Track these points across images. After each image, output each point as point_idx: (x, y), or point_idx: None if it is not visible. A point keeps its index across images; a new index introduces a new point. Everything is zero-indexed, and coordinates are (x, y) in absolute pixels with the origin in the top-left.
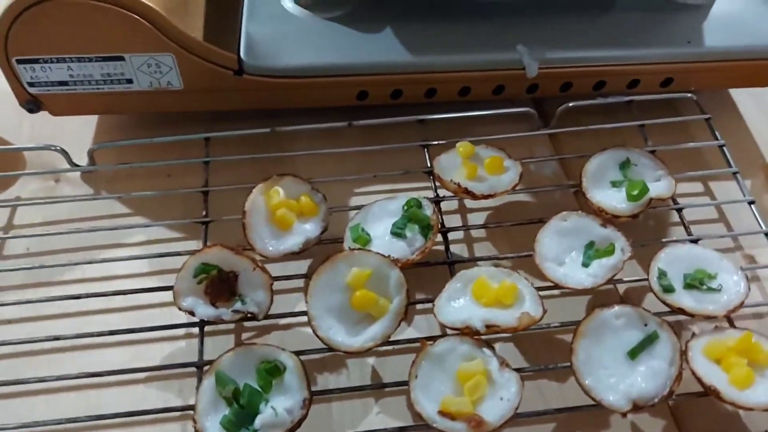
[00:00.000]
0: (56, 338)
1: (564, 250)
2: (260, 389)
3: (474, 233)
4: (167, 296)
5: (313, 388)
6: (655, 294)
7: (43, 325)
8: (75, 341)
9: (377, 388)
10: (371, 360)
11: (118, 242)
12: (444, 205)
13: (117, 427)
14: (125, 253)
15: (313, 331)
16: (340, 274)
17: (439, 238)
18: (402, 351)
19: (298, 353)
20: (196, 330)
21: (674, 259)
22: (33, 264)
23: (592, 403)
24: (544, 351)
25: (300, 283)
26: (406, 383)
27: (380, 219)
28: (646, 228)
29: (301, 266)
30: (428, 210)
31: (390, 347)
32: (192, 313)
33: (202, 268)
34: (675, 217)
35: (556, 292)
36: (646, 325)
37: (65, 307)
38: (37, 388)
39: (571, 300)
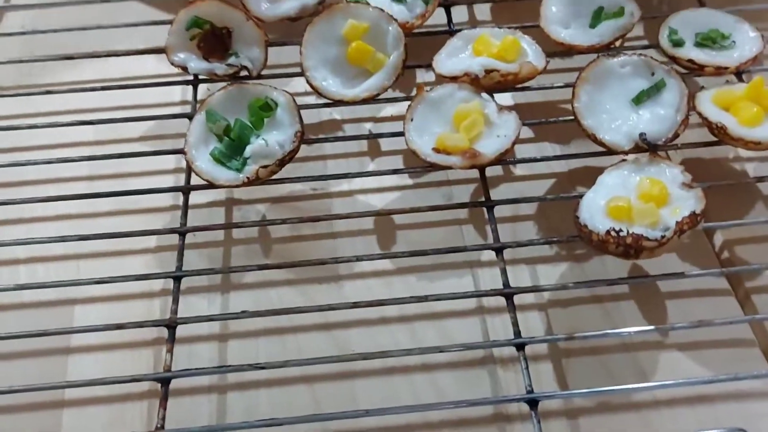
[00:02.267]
0: (48, 92)
1: (570, 15)
2: (252, 125)
3: (478, 7)
4: (160, 59)
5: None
6: (663, 51)
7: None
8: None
9: (372, 137)
10: (368, 125)
11: (113, 23)
12: None
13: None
14: (120, 30)
15: (308, 82)
16: (337, 26)
17: (441, 13)
18: (398, 118)
19: None
20: (189, 88)
21: (687, 20)
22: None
23: (592, 151)
24: (544, 111)
25: (295, 49)
26: (401, 134)
27: None
28: (659, 8)
29: (298, 34)
30: None
31: (387, 110)
32: (185, 69)
33: (194, 21)
34: None
35: (560, 65)
36: (653, 74)
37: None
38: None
39: (577, 65)
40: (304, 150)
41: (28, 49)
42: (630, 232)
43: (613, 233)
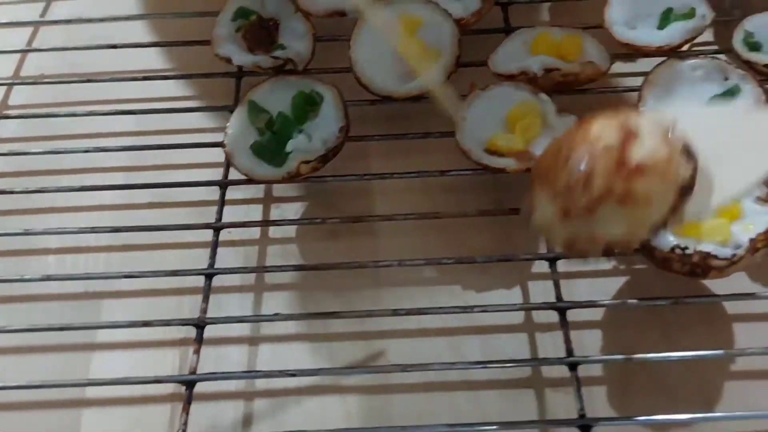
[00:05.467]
0: (89, 80)
1: (637, 16)
2: (295, 119)
3: (536, 7)
4: (205, 50)
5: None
6: (737, 55)
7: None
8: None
9: (420, 136)
10: (415, 122)
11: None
12: None
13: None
14: (166, 20)
15: (355, 77)
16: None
17: (498, 11)
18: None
19: None
20: (232, 81)
21: (764, 24)
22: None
23: None
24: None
25: (343, 45)
26: (450, 134)
27: None
28: (731, 12)
29: (348, 30)
30: None
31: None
32: (229, 61)
33: (241, 12)
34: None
35: (623, 68)
36: (726, 79)
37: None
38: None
39: (642, 69)
40: (348, 147)
41: (73, 38)
42: (697, 249)
43: (678, 251)
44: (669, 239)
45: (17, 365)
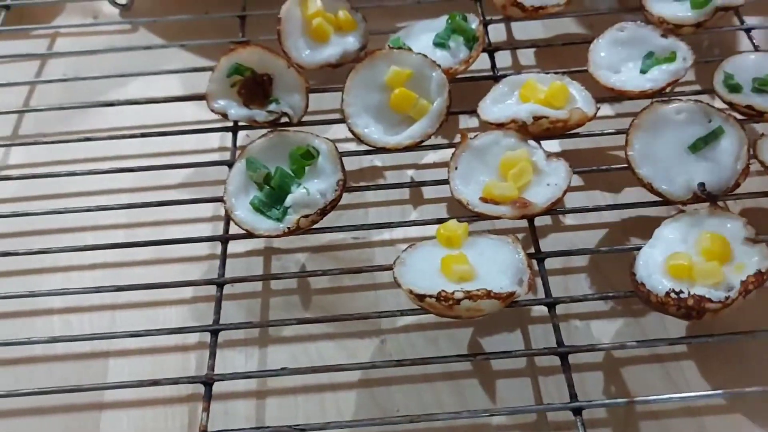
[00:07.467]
0: (87, 139)
1: (620, 60)
2: (293, 173)
3: (522, 53)
4: (200, 105)
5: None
6: (719, 96)
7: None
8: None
9: (415, 186)
10: (410, 172)
11: (154, 69)
12: (491, 29)
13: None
14: (161, 77)
15: (349, 129)
16: (379, 73)
17: (485, 58)
18: (441, 165)
19: None
20: (229, 135)
21: (742, 65)
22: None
23: (646, 200)
24: (592, 159)
25: (336, 95)
26: (445, 182)
27: (423, 34)
28: (711, 52)
29: (339, 80)
30: (473, 23)
31: (431, 156)
32: (225, 116)
33: (235, 68)
34: (743, 38)
35: (609, 111)
36: (710, 121)
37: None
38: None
39: (628, 111)
40: (345, 198)
41: (69, 96)
42: (691, 293)
43: (673, 295)
44: (664, 283)
45: (25, 428)
